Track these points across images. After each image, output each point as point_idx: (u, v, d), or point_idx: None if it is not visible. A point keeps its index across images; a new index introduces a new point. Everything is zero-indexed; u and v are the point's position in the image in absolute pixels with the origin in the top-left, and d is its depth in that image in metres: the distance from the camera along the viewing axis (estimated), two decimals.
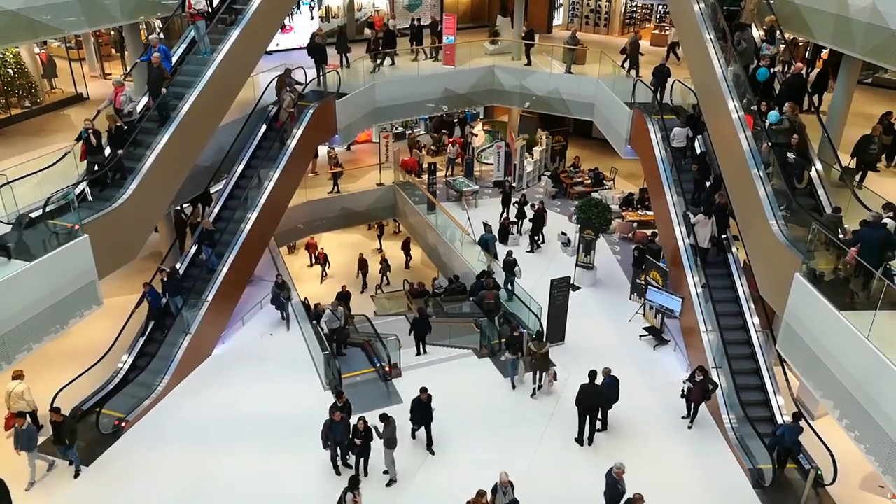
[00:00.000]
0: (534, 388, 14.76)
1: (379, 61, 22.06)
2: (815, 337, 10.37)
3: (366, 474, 12.40)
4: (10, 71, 19.87)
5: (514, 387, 14.97)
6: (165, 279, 14.90)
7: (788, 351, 11.43)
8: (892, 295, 9.29)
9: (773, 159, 12.68)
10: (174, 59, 15.74)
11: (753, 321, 14.32)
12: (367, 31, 25.35)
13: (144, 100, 14.82)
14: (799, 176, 12.32)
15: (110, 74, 24.44)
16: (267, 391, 14.60)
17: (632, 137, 19.15)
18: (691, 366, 14.89)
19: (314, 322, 16.45)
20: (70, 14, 15.09)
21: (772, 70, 14.07)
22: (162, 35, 15.89)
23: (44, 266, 10.89)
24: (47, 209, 11.67)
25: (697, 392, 13.40)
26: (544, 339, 15.20)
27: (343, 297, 19.02)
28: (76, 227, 11.63)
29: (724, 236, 15.46)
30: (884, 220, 10.17)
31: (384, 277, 22.92)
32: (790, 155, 12.44)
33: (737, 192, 14.35)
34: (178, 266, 15.72)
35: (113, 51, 26.20)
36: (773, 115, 12.92)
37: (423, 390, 12.85)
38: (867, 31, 12.74)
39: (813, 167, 12.72)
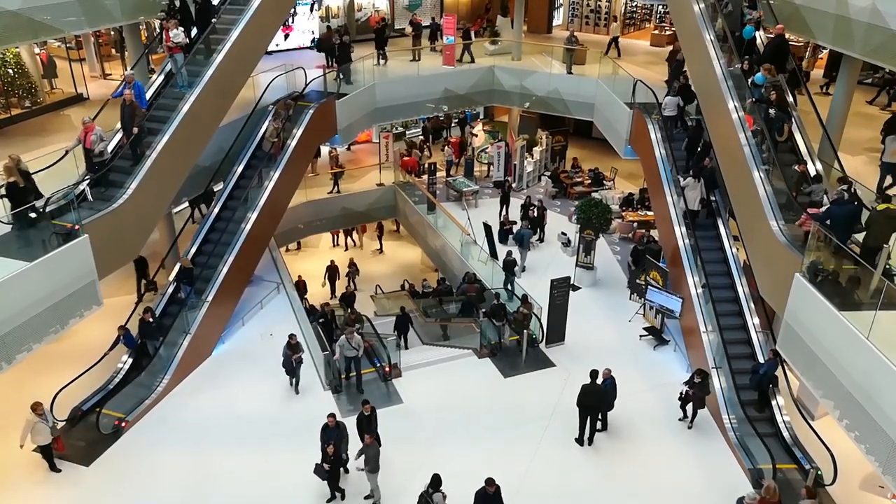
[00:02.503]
0: (520, 349, 15.98)
1: (342, 76, 20.66)
2: (815, 337, 10.36)
3: (342, 497, 12.04)
4: (11, 71, 19.89)
5: (500, 349, 15.99)
6: (149, 320, 14.27)
7: (788, 351, 11.42)
8: (892, 295, 9.29)
9: (758, 115, 13.56)
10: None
11: (753, 321, 14.33)
12: (409, 29, 25.14)
13: (118, 137, 14.07)
14: (779, 129, 13.13)
15: (110, 74, 24.48)
16: (267, 391, 14.59)
17: (632, 137, 19.15)
18: (692, 366, 14.90)
19: (318, 323, 16.40)
20: (70, 14, 15.07)
21: (757, 32, 15.05)
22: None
23: (44, 266, 10.88)
24: (47, 209, 11.68)
25: (697, 395, 13.42)
26: (530, 301, 16.24)
27: (347, 299, 19.00)
28: (76, 227, 11.62)
29: (712, 199, 15.96)
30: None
31: (351, 282, 22.67)
32: (771, 111, 13.37)
33: (737, 192, 14.35)
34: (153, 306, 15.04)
35: (113, 51, 26.23)
36: (759, 76, 13.78)
37: (490, 482, 10.77)
38: (867, 31, 12.75)
39: (794, 122, 13.54)
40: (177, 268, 15.69)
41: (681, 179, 16.20)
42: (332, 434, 11.79)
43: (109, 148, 13.61)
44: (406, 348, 16.99)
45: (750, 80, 14.05)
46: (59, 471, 12.39)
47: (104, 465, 12.61)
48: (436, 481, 10.82)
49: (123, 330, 14.08)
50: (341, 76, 20.36)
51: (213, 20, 16.01)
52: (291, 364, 14.24)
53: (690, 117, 17.62)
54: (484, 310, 16.88)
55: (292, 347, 14.24)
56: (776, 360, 13.00)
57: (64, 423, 13.26)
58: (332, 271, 22.28)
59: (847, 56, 14.21)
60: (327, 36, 21.91)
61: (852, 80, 14.98)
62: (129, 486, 12.19)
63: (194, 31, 15.97)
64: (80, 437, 13.09)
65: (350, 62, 20.48)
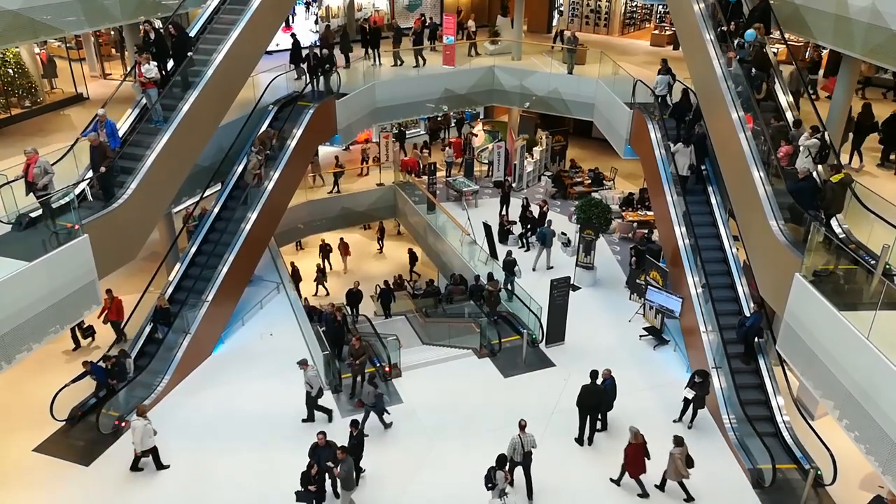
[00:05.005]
0: (492, 320, 16.73)
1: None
2: (815, 337, 10.37)
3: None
4: (11, 71, 19.89)
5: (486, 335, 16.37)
6: (109, 366, 13.50)
7: (788, 351, 11.43)
8: (892, 295, 9.29)
9: (742, 74, 14.60)
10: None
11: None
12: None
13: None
14: (758, 87, 14.48)
15: (110, 74, 24.49)
16: (267, 391, 14.59)
17: (632, 137, 19.15)
18: (691, 366, 14.90)
19: (322, 325, 16.37)
20: (70, 14, 15.11)
21: None
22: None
23: (44, 266, 10.88)
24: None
25: (697, 395, 13.43)
26: (496, 279, 17.27)
27: (353, 298, 18.97)
28: (76, 226, 11.62)
29: (702, 166, 16.62)
30: (813, 139, 12.26)
31: (320, 286, 22.35)
32: (753, 70, 14.57)
33: (737, 191, 14.36)
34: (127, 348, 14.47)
35: (113, 51, 26.26)
36: (750, 33, 14.69)
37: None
38: (867, 31, 12.75)
39: (776, 82, 14.75)
40: (152, 309, 14.96)
41: (671, 145, 16.71)
42: (323, 453, 11.52)
43: (84, 185, 12.77)
44: (387, 317, 18.85)
45: (736, 42, 14.98)
46: (141, 469, 12.45)
47: (104, 465, 12.60)
48: (501, 460, 11.21)
49: (90, 365, 13.41)
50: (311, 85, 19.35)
51: (190, 53, 15.38)
52: (382, 405, 13.50)
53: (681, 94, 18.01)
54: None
55: (377, 388, 13.46)
56: (761, 313, 13.54)
57: (64, 422, 13.29)
58: (294, 274, 21.81)
59: (847, 56, 14.21)
60: (326, 35, 21.89)
61: (852, 81, 14.98)
62: (129, 486, 12.18)
63: (171, 64, 15.34)
64: (80, 436, 13.10)
65: (332, 73, 19.53)
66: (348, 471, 11.36)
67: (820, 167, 12.28)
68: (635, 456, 12.00)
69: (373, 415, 13.52)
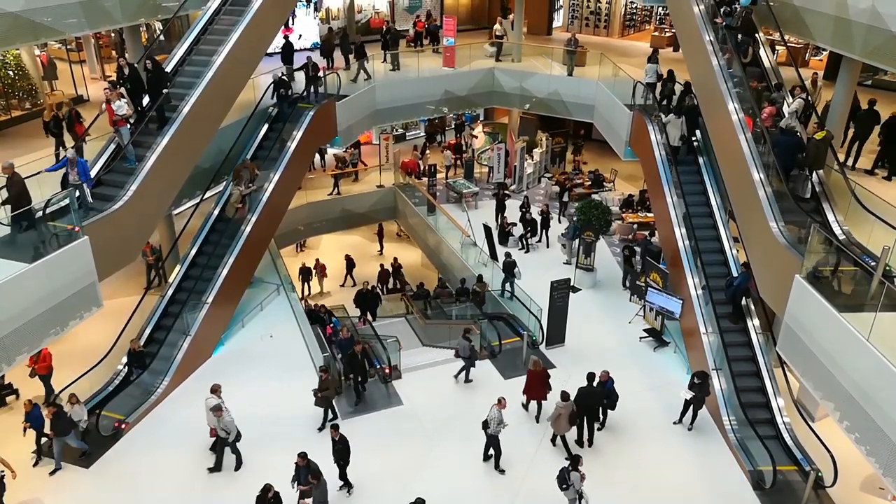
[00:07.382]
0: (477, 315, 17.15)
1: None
2: (815, 338, 10.37)
3: None
4: (11, 73, 19.89)
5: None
6: (52, 418, 12.13)
7: (788, 352, 11.43)
8: (892, 296, 9.28)
9: (730, 41, 15.36)
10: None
11: (753, 322, 14.33)
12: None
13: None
14: (744, 52, 15.34)
15: (110, 76, 24.48)
16: (267, 393, 14.59)
17: (632, 139, 19.16)
18: (692, 367, 14.90)
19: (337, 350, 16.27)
20: (71, 16, 15.09)
21: None
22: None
23: (44, 267, 10.88)
24: (47, 211, 11.68)
25: (697, 396, 13.42)
26: (484, 281, 17.78)
27: (362, 300, 18.94)
28: (76, 228, 11.63)
29: (693, 138, 17.20)
30: (797, 100, 13.15)
31: None
32: (739, 36, 15.41)
33: (737, 193, 14.37)
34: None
35: (113, 53, 26.23)
36: None
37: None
38: (867, 32, 12.76)
39: (762, 48, 15.78)
40: (126, 352, 14.40)
41: (662, 116, 17.26)
42: (304, 473, 11.38)
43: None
44: (374, 319, 19.03)
45: (723, 10, 15.98)
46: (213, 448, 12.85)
47: (104, 467, 12.60)
48: (575, 460, 11.33)
49: (30, 406, 12.44)
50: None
51: (165, 90, 14.65)
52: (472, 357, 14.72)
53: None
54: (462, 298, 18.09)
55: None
56: (747, 273, 14.02)
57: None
58: None
59: (847, 57, 14.22)
60: (328, 37, 21.93)
61: (852, 81, 14.98)
62: (129, 488, 12.18)
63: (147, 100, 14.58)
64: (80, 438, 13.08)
65: (319, 83, 19.18)
66: (323, 495, 11.29)
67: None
68: (533, 381, 13.59)
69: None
